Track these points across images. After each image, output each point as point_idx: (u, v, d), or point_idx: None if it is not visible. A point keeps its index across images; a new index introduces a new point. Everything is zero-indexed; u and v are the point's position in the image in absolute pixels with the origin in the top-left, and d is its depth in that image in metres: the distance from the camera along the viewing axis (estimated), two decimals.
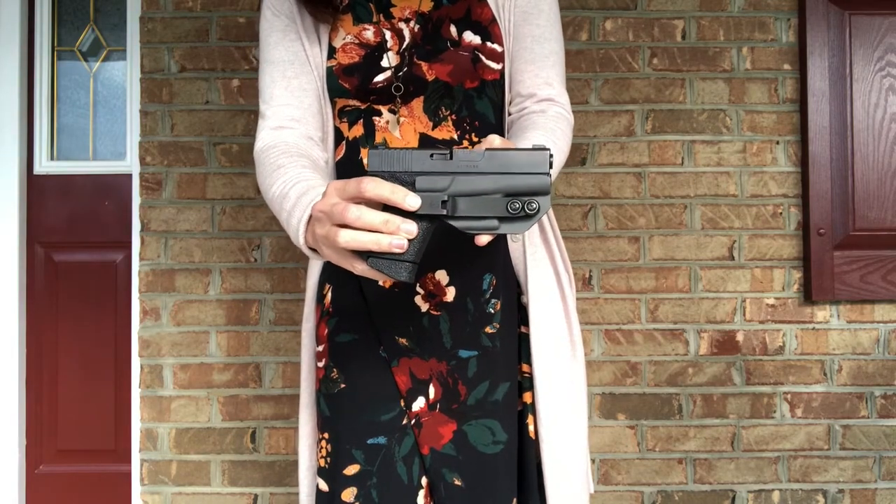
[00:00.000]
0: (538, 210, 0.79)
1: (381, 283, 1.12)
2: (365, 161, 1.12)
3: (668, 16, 2.16)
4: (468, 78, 1.12)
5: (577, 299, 1.34)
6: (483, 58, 1.12)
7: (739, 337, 2.14)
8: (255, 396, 2.13)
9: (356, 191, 0.79)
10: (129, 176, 2.23)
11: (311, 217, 0.89)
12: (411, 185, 0.80)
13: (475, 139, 1.13)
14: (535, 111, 1.16)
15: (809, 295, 2.11)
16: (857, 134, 2.12)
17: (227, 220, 2.14)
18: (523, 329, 1.17)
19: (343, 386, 1.12)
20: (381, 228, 0.78)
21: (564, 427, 1.15)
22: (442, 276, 1.12)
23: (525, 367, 1.16)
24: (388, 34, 1.13)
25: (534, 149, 0.80)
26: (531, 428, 1.15)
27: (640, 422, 2.13)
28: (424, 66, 1.11)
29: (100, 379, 2.26)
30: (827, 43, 2.12)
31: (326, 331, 1.16)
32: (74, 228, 2.26)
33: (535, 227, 1.18)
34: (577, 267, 2.12)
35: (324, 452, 1.13)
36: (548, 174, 0.79)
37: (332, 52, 1.14)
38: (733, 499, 2.13)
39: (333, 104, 1.17)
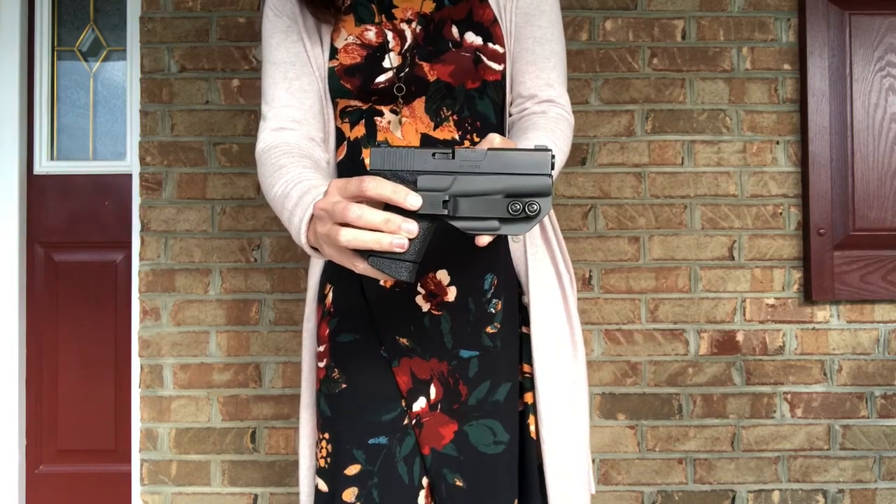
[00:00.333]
0: (539, 211, 0.79)
1: (382, 282, 1.12)
2: (367, 161, 1.12)
3: (668, 16, 2.16)
4: (469, 78, 1.12)
5: (578, 299, 1.34)
6: (484, 58, 1.12)
7: (739, 337, 2.14)
8: (255, 396, 2.13)
9: (358, 190, 0.79)
10: (129, 176, 2.23)
11: (312, 216, 0.89)
12: (413, 184, 0.80)
13: (476, 140, 1.13)
14: (536, 112, 1.16)
15: (809, 295, 2.11)
16: (857, 134, 2.12)
17: (227, 220, 2.14)
18: (524, 329, 1.17)
19: (344, 386, 1.12)
20: (383, 227, 0.78)
21: (565, 427, 1.15)
22: (443, 275, 1.12)
23: (526, 368, 1.16)
24: (389, 35, 1.13)
25: (536, 149, 0.80)
26: (532, 428, 1.15)
27: (640, 422, 2.13)
28: (426, 66, 1.11)
29: (100, 379, 2.26)
30: (827, 43, 2.12)
31: (328, 331, 1.16)
32: (74, 228, 2.26)
33: (537, 228, 1.18)
34: (577, 267, 2.12)
35: (324, 453, 1.13)
36: (549, 175, 0.79)
37: (333, 52, 1.14)
38: (733, 499, 2.13)
39: (335, 104, 1.17)
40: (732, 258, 2.14)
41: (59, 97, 2.32)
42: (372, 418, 1.10)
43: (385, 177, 0.80)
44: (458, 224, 0.80)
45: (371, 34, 1.13)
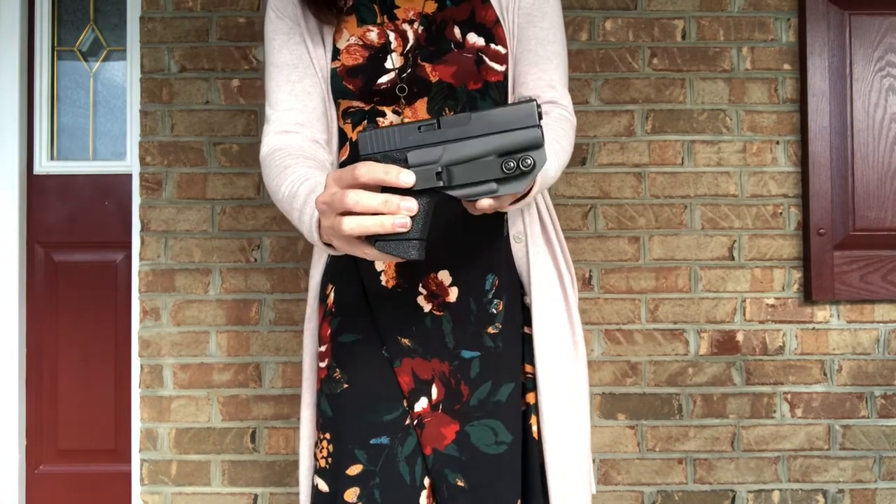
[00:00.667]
0: (534, 165, 0.78)
1: (383, 282, 1.12)
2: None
3: (668, 16, 2.16)
4: (471, 79, 1.12)
5: (578, 299, 1.34)
6: (486, 59, 1.12)
7: (739, 337, 2.14)
8: (255, 396, 2.13)
9: (351, 177, 0.79)
10: (129, 176, 2.23)
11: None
12: (404, 162, 0.79)
13: None
14: None
15: (809, 295, 2.11)
16: (857, 134, 2.12)
17: (227, 220, 2.14)
18: (526, 329, 1.17)
19: (346, 386, 1.12)
20: (382, 209, 0.77)
21: (566, 427, 1.15)
22: (444, 276, 1.12)
23: (528, 368, 1.16)
24: (391, 36, 1.13)
25: (519, 102, 0.79)
26: (535, 428, 1.15)
27: (640, 422, 2.13)
28: (428, 67, 1.11)
29: (100, 379, 2.26)
30: (827, 43, 2.12)
31: (329, 331, 1.16)
32: (74, 228, 2.26)
33: (538, 228, 1.18)
34: (578, 267, 2.12)
35: (325, 453, 1.13)
36: (537, 126, 0.78)
37: (335, 53, 1.14)
38: (733, 499, 2.13)
39: (337, 105, 1.17)
40: (732, 258, 2.14)
41: (59, 97, 2.32)
42: (373, 418, 1.10)
43: (376, 160, 0.80)
44: (455, 193, 0.79)
45: (373, 35, 1.13)
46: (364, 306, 1.13)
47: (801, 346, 2.14)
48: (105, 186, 2.27)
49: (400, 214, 0.77)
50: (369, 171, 0.78)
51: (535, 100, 0.79)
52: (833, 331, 2.14)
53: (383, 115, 1.13)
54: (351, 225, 0.78)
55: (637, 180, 2.15)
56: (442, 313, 1.12)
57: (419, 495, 1.09)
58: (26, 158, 2.26)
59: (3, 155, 2.22)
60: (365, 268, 1.14)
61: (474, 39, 1.13)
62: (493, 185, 0.78)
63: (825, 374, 2.14)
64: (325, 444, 1.14)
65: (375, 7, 1.15)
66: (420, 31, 1.13)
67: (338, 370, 1.13)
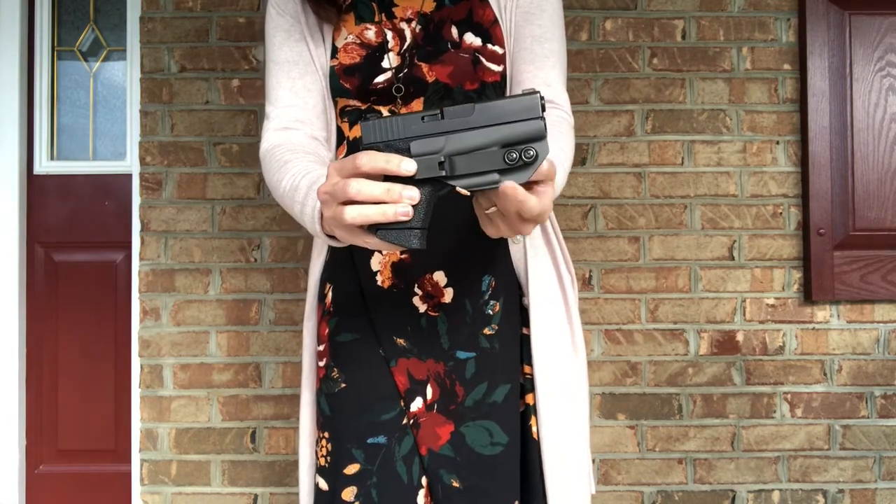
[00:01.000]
0: (536, 156, 0.77)
1: (379, 283, 1.12)
2: None
3: (668, 16, 2.16)
4: (468, 80, 1.11)
5: (578, 299, 1.34)
6: (483, 60, 1.12)
7: (739, 337, 2.14)
8: (255, 396, 2.13)
9: (352, 166, 0.79)
10: (129, 176, 2.23)
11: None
12: (407, 152, 0.79)
13: None
14: None
15: (809, 295, 2.11)
16: (857, 134, 2.12)
17: (227, 220, 2.14)
18: (525, 330, 1.17)
19: (344, 385, 1.12)
20: (384, 198, 0.77)
21: (565, 428, 1.15)
22: (440, 277, 1.12)
23: (527, 369, 1.16)
24: (389, 34, 1.13)
25: (523, 94, 0.79)
26: (534, 429, 1.14)
27: (640, 422, 2.13)
28: (425, 67, 1.11)
29: (100, 379, 2.26)
30: (827, 43, 2.12)
31: (327, 330, 1.16)
32: (74, 228, 2.26)
33: (537, 229, 1.18)
34: (577, 267, 2.12)
35: (324, 451, 1.13)
36: (541, 118, 0.78)
37: (334, 51, 1.14)
38: (733, 499, 2.13)
39: (335, 104, 1.16)
40: (732, 258, 2.14)
41: (59, 97, 2.32)
42: (371, 418, 1.10)
43: (379, 149, 0.79)
44: (457, 183, 0.79)
45: (371, 33, 1.13)
46: (361, 306, 1.13)
47: (801, 346, 2.13)
48: (105, 186, 2.27)
49: (402, 203, 0.77)
50: (370, 160, 0.78)
51: (538, 92, 0.78)
52: (833, 331, 2.14)
53: (379, 114, 1.12)
54: (353, 214, 0.78)
55: (637, 180, 2.14)
56: (437, 314, 1.12)
57: (416, 495, 1.09)
58: (26, 158, 2.27)
59: (3, 155, 2.22)
60: (361, 267, 1.14)
61: (471, 39, 1.12)
62: (496, 176, 0.78)
63: (825, 374, 2.13)
64: (324, 442, 1.14)
65: (374, 5, 1.14)
66: (418, 30, 1.13)
67: (335, 370, 1.13)
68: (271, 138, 1.12)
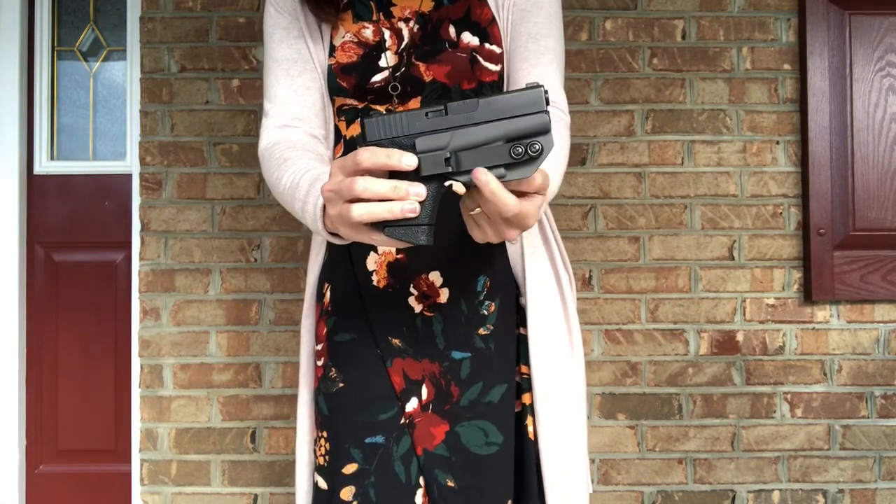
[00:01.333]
0: (542, 150, 0.77)
1: (375, 283, 1.12)
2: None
3: (668, 16, 2.16)
4: (465, 79, 1.11)
5: (577, 299, 1.34)
6: (481, 59, 1.11)
7: (739, 337, 2.14)
8: (255, 396, 2.13)
9: (354, 164, 0.78)
10: (129, 176, 2.23)
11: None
12: (412, 148, 0.79)
13: None
14: None
15: (809, 295, 2.11)
16: (857, 134, 2.12)
17: (227, 220, 2.14)
18: (522, 330, 1.17)
19: (341, 385, 1.12)
20: (391, 195, 0.77)
21: (563, 427, 1.15)
22: (435, 277, 1.11)
23: (524, 369, 1.16)
24: (387, 34, 1.13)
25: (527, 88, 0.79)
26: (531, 429, 1.14)
27: (640, 422, 2.13)
28: (422, 66, 1.11)
29: (100, 379, 2.26)
30: (827, 43, 2.12)
31: (325, 330, 1.16)
32: (74, 228, 2.26)
33: (535, 228, 1.18)
34: (577, 267, 2.12)
35: (323, 451, 1.13)
36: (545, 112, 0.78)
37: (332, 50, 1.13)
38: (733, 499, 2.13)
39: (333, 102, 1.16)
40: (732, 258, 2.14)
41: (59, 97, 2.32)
42: (368, 418, 1.10)
43: (383, 146, 0.79)
44: (464, 179, 0.79)
45: (368, 32, 1.13)
46: (359, 306, 1.13)
47: (801, 346, 2.13)
48: (105, 186, 2.27)
49: (409, 200, 0.77)
50: (371, 155, 0.77)
51: (542, 85, 0.79)
52: (833, 331, 2.14)
53: (378, 113, 1.12)
54: (360, 212, 0.78)
55: (637, 180, 2.14)
56: (433, 314, 1.12)
57: (414, 494, 1.09)
58: (26, 158, 2.27)
59: (3, 155, 2.22)
60: (358, 267, 1.14)
61: (468, 39, 1.12)
62: (502, 171, 0.78)
63: (825, 374, 2.13)
64: (322, 441, 1.14)
65: (372, 4, 1.14)
66: (415, 29, 1.12)
67: (333, 369, 1.13)
68: (270, 136, 1.12)
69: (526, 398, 1.15)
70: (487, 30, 1.13)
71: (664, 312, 2.14)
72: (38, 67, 2.29)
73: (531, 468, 1.14)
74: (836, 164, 2.12)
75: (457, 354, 1.12)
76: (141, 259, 2.14)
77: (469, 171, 0.78)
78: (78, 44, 2.32)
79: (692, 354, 2.13)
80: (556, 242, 1.20)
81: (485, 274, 1.13)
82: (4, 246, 2.22)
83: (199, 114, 2.14)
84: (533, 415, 1.14)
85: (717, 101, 2.15)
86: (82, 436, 2.26)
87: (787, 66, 2.15)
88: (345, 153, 1.15)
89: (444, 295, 1.12)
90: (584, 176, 2.14)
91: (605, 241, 2.14)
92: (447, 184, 0.79)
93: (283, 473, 2.13)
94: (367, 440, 1.09)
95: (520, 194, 0.79)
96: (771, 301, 2.14)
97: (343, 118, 1.16)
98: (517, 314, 1.17)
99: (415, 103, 1.11)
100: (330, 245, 1.18)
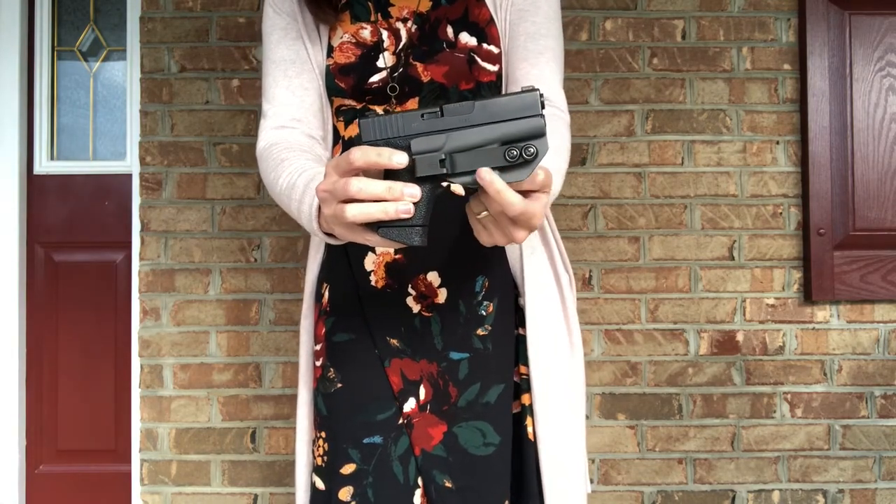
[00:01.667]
0: (536, 154, 0.77)
1: (373, 283, 1.12)
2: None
3: (668, 16, 2.16)
4: (463, 79, 1.11)
5: (578, 299, 1.33)
6: (479, 59, 1.11)
7: (739, 337, 2.14)
8: (255, 396, 2.13)
9: (346, 163, 0.78)
10: (129, 176, 2.23)
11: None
12: (407, 149, 0.79)
13: None
14: None
15: (809, 295, 2.11)
16: (857, 134, 2.12)
17: (227, 220, 2.14)
18: (521, 331, 1.16)
19: (340, 385, 1.12)
20: (385, 196, 0.77)
21: (562, 428, 1.14)
22: (434, 277, 1.11)
23: (523, 369, 1.16)
24: (385, 34, 1.12)
25: (523, 91, 0.79)
26: (530, 430, 1.14)
27: (640, 422, 2.13)
28: (420, 67, 1.10)
29: (100, 379, 2.26)
30: (827, 43, 2.12)
31: (324, 330, 1.16)
32: (74, 228, 2.27)
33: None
34: (577, 267, 2.12)
35: (321, 451, 1.13)
36: (540, 115, 0.78)
37: (330, 50, 1.13)
38: (733, 499, 2.13)
39: (331, 102, 1.16)
40: (732, 258, 2.14)
41: (59, 97, 2.32)
42: (366, 418, 1.10)
43: (378, 146, 0.80)
44: (458, 180, 0.80)
45: (366, 32, 1.13)
46: (357, 306, 1.13)
47: (801, 346, 2.13)
48: (105, 186, 2.27)
49: (403, 201, 0.77)
50: (363, 155, 0.77)
51: (537, 89, 0.79)
52: (833, 331, 2.14)
53: (375, 113, 1.12)
54: (354, 212, 0.78)
55: (637, 180, 2.14)
56: (430, 314, 1.12)
57: (413, 494, 1.09)
58: (26, 158, 2.27)
59: (3, 155, 2.22)
60: (356, 267, 1.13)
61: (466, 39, 1.12)
62: (497, 173, 0.79)
63: (825, 374, 2.13)
64: (321, 442, 1.14)
65: (370, 4, 1.14)
66: (413, 29, 1.12)
67: (332, 369, 1.13)
68: (268, 136, 1.12)
69: (525, 399, 1.15)
70: (485, 30, 1.12)
71: (664, 312, 2.14)
72: (38, 67, 2.29)
73: (531, 469, 1.14)
74: (836, 164, 2.12)
75: (455, 355, 1.12)
76: (141, 259, 2.14)
77: (464, 173, 0.79)
78: (78, 44, 2.32)
79: (692, 354, 2.13)
80: (556, 242, 1.20)
81: (483, 274, 1.13)
82: (4, 246, 2.22)
83: (199, 114, 2.15)
84: (532, 415, 1.14)
85: (717, 101, 2.15)
86: (82, 436, 2.26)
87: (787, 66, 2.15)
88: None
89: (442, 295, 1.12)
90: (584, 176, 2.14)
91: (605, 241, 2.14)
92: (444, 184, 0.79)
93: (282, 473, 2.13)
94: (365, 440, 1.09)
95: (524, 193, 0.79)
96: (771, 301, 2.14)
97: (341, 119, 1.16)
98: (516, 314, 1.17)
99: (413, 104, 1.11)
100: (328, 245, 1.18)
